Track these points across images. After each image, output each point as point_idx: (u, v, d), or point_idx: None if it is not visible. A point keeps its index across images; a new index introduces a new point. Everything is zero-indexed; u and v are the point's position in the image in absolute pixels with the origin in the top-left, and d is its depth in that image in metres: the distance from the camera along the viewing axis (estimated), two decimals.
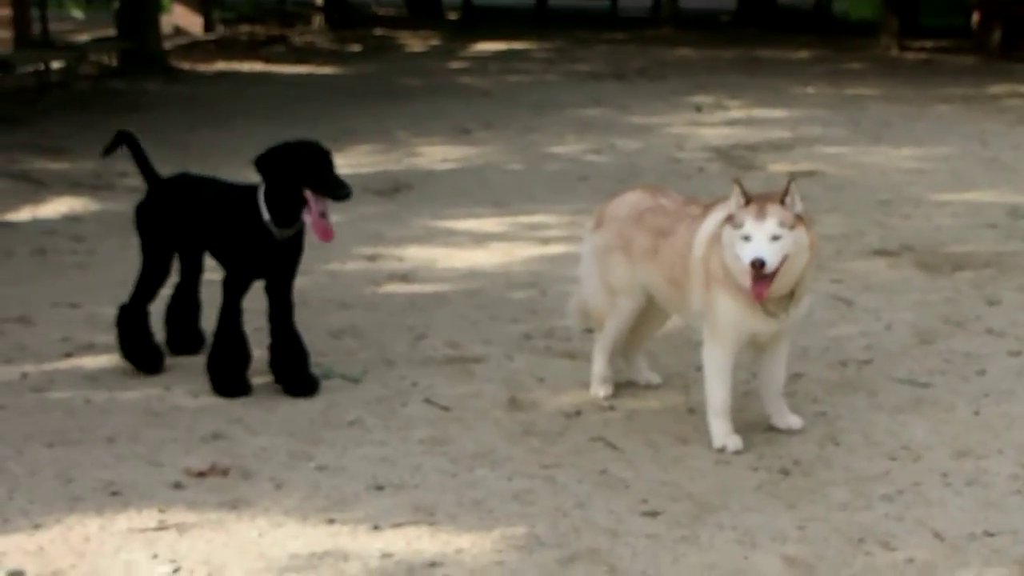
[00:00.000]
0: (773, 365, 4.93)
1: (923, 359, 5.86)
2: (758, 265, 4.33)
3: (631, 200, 5.18)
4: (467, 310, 6.54)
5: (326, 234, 5.12)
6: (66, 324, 6.27)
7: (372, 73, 18.11)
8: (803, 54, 21.69)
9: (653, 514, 4.22)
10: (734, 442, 4.73)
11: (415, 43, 23.35)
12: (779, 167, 10.47)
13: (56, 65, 16.47)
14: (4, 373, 5.61)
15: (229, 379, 5.27)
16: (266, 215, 5.09)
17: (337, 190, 5.06)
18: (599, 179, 9.98)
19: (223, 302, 5.25)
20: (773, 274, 4.41)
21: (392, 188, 9.72)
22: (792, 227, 4.45)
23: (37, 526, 4.12)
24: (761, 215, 4.42)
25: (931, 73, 19.01)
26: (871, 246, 7.94)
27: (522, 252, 7.73)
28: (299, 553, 3.94)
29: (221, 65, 18.93)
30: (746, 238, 4.42)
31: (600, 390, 5.29)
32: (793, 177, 4.72)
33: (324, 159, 5.14)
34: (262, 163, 5.12)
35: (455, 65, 19.64)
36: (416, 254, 7.70)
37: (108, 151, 5.85)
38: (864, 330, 6.27)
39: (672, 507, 4.28)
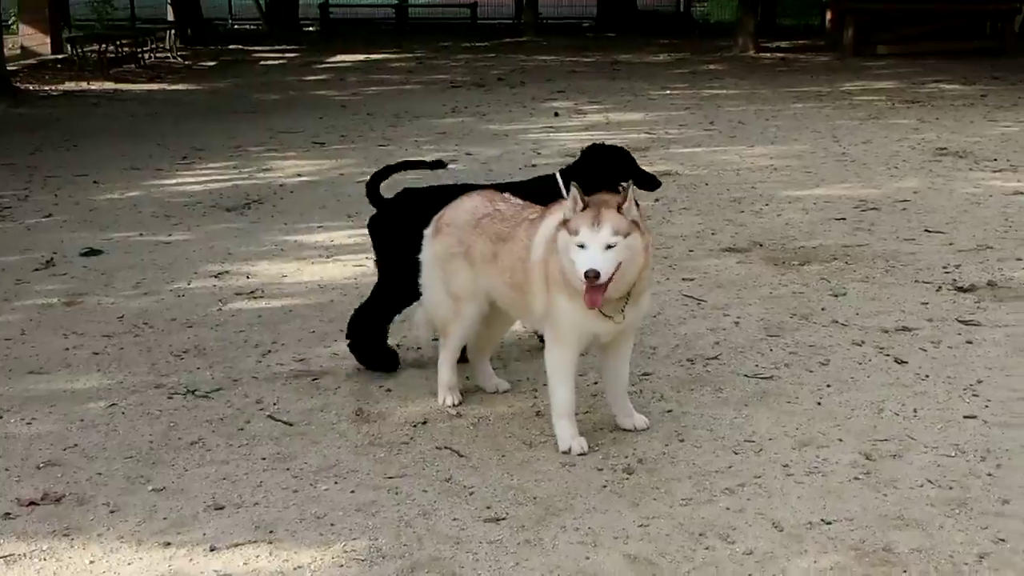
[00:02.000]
0: (616, 365, 4.97)
1: (769, 353, 5.99)
2: (592, 276, 4.34)
3: (469, 206, 5.20)
4: (316, 324, 6.49)
5: None
6: None
7: (226, 89, 17.95)
8: (663, 57, 22.08)
9: (497, 519, 4.23)
10: (579, 444, 4.77)
11: (272, 57, 23.16)
12: (670, 166, 10.60)
13: None
14: None
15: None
16: None
17: (652, 182, 5.95)
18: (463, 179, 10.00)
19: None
20: (607, 282, 4.42)
21: (243, 204, 9.64)
22: (627, 234, 4.45)
23: None
24: (596, 223, 4.40)
25: (786, 72, 19.48)
26: (722, 244, 8.10)
27: (374, 264, 7.68)
28: None
29: (69, 85, 18.60)
30: (581, 246, 4.41)
31: (448, 398, 5.29)
32: (630, 183, 4.72)
33: (630, 158, 5.91)
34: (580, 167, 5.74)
35: (312, 78, 19.55)
36: (265, 269, 7.63)
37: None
38: (712, 327, 6.38)
39: (516, 511, 4.29)
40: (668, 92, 16.72)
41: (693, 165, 11.03)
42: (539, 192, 5.57)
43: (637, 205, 4.60)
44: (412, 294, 5.56)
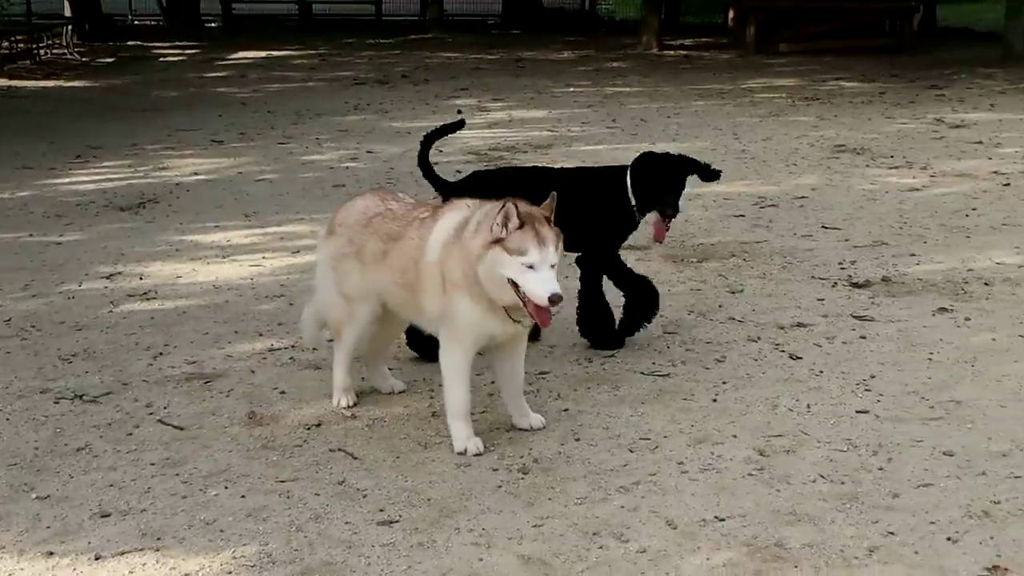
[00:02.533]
0: (511, 364, 4.94)
1: (666, 350, 6.04)
2: (557, 301, 4.35)
3: (361, 206, 5.16)
4: (210, 325, 6.41)
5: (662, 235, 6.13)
6: None
7: (124, 86, 17.68)
8: (567, 54, 22.16)
9: (390, 522, 4.20)
10: (475, 444, 4.75)
11: (172, 54, 22.83)
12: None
13: None
14: None
15: (607, 335, 6.03)
16: (633, 201, 5.94)
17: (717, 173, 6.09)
18: (355, 186, 9.92)
19: (592, 272, 6.04)
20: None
21: (137, 203, 9.51)
22: (558, 247, 4.47)
23: None
24: (542, 242, 4.38)
25: (690, 69, 19.66)
26: None
27: (271, 263, 7.63)
28: None
29: None
30: (531, 267, 4.36)
31: (342, 400, 5.25)
32: (553, 196, 4.61)
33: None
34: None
35: (212, 75, 19.31)
36: (159, 270, 7.52)
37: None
38: None
39: (410, 513, 4.26)
40: (572, 89, 16.77)
41: (595, 162, 11.06)
42: (607, 178, 5.99)
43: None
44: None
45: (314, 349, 5.91)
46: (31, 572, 3.88)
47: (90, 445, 4.87)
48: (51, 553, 3.99)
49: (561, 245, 4.52)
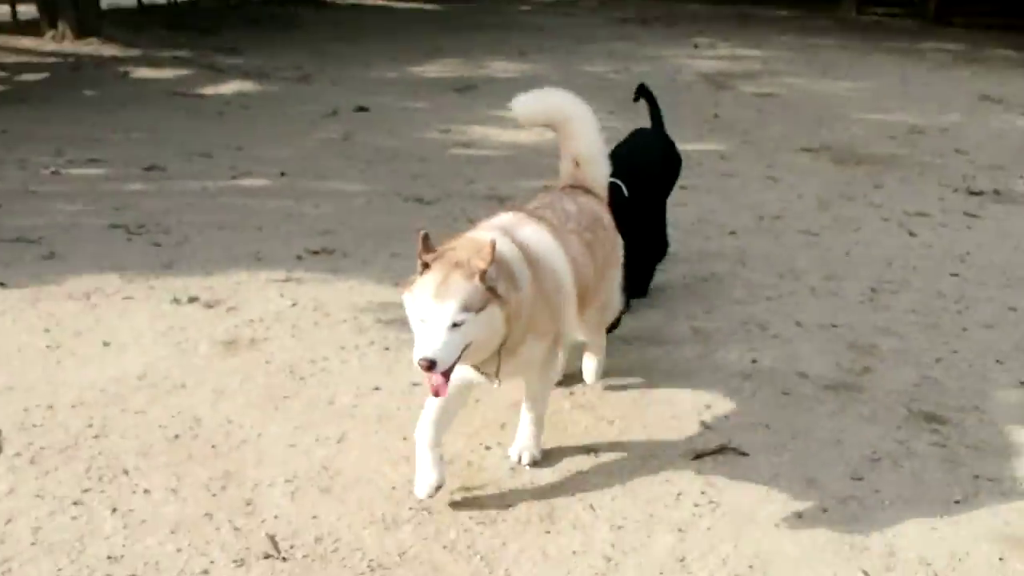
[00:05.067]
0: (526, 392, 3.28)
1: (819, 217, 6.17)
2: (424, 368, 2.58)
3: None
4: (505, 167, 6.87)
5: None
6: (233, 159, 6.74)
7: (460, 10, 18.11)
8: (783, 13, 21.29)
9: None
10: (429, 486, 2.97)
11: None
12: (747, 88, 10.59)
13: None
14: (194, 186, 6.11)
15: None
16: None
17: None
18: (614, 90, 10.17)
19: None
20: (450, 368, 2.64)
21: (465, 87, 9.97)
22: (480, 308, 2.63)
23: (208, 273, 4.64)
24: (441, 295, 2.61)
25: (878, 31, 18.65)
26: (800, 145, 8.14)
27: (549, 135, 7.95)
28: None
29: None
30: (422, 320, 2.63)
31: None
32: (493, 242, 2.70)
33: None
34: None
35: (523, 8, 19.53)
36: (475, 130, 8.00)
37: (636, 99, 4.74)
38: (781, 197, 6.57)
39: None
40: (783, 38, 16.27)
41: (791, 90, 10.92)
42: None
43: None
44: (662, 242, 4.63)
45: None
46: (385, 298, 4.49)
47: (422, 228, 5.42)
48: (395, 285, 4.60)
49: (489, 301, 2.64)
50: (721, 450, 3.40)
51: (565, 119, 3.51)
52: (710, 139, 8.14)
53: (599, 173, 3.58)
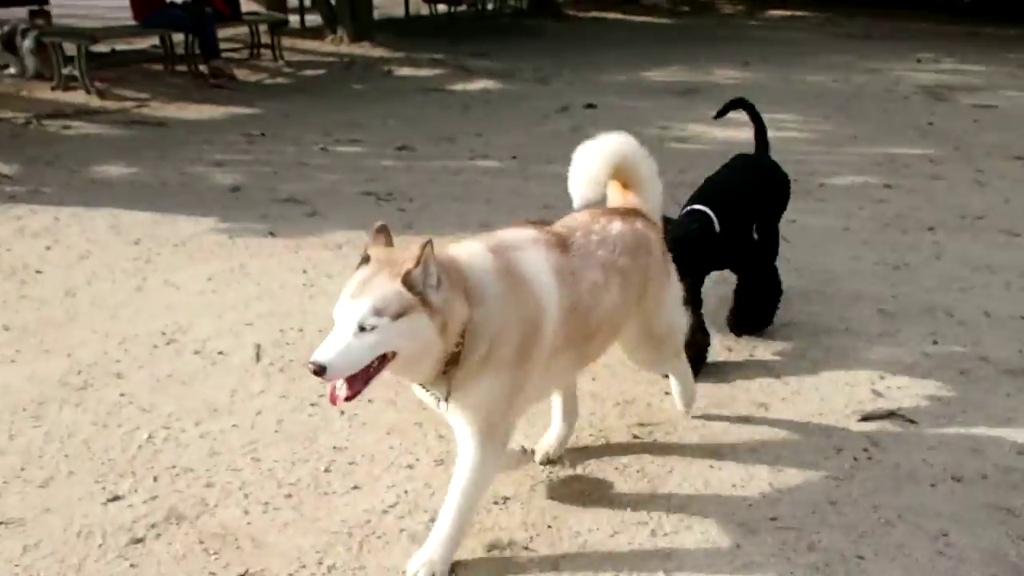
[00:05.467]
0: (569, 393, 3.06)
1: (1023, 221, 5.82)
2: (312, 371, 2.11)
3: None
4: (717, 161, 6.87)
5: None
6: (473, 143, 7.16)
7: (691, 25, 18.05)
8: (1012, 31, 19.69)
9: None
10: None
11: (725, 7, 22.76)
12: (966, 100, 10.00)
13: (490, 7, 17.45)
14: (437, 164, 6.55)
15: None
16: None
17: None
18: (831, 97, 9.93)
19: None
20: (366, 376, 2.19)
21: (687, 91, 10.04)
22: (400, 315, 2.15)
23: (441, 235, 5.00)
24: (357, 294, 2.17)
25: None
26: (1013, 153, 7.63)
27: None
28: None
29: (594, 13, 19.28)
30: (335, 318, 2.19)
31: None
32: (429, 242, 2.20)
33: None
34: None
35: (750, 23, 19.20)
36: (693, 129, 8.08)
37: (720, 114, 4.44)
38: (986, 199, 6.19)
39: None
40: (1011, 55, 15.11)
41: (1010, 104, 10.16)
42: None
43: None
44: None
45: None
46: None
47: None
48: None
49: (412, 309, 2.17)
50: (889, 415, 3.37)
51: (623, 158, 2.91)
52: (921, 144, 7.80)
53: (650, 195, 2.99)
